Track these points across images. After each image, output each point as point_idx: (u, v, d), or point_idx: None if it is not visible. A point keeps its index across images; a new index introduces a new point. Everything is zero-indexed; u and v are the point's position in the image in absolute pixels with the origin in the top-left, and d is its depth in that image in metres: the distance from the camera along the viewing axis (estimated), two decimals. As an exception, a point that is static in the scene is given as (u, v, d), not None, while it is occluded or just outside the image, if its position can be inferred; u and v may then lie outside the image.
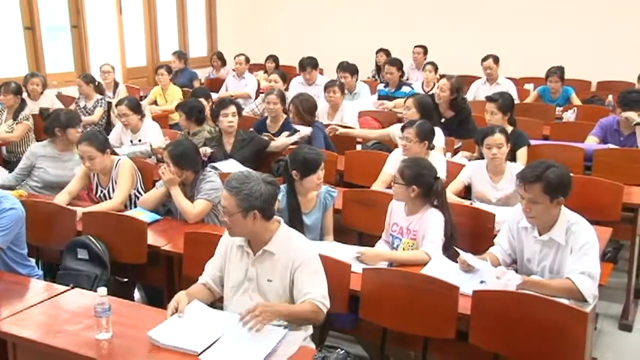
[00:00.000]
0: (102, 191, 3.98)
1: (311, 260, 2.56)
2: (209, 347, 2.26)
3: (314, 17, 9.64)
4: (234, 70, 7.94)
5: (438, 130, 4.75)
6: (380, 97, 6.72)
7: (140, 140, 5.01)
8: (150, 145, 4.76)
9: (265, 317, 2.31)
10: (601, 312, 3.84)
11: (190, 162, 3.63)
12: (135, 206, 3.85)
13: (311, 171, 3.33)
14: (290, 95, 5.86)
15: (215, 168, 4.05)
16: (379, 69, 8.20)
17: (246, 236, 2.59)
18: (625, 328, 3.82)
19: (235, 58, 7.87)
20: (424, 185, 3.11)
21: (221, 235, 2.76)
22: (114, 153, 4.04)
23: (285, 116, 5.22)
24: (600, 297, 2.81)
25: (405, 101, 4.88)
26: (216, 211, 3.64)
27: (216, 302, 2.76)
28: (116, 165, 3.94)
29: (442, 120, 5.28)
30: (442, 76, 5.36)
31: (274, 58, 8.46)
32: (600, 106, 6.40)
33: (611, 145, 4.75)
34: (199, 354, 2.22)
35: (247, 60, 7.79)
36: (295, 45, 9.03)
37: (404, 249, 3.17)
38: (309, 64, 6.91)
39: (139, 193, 3.99)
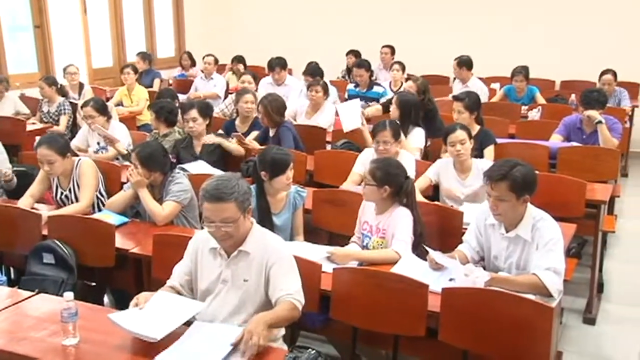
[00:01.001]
0: (62, 193, 3.90)
1: (285, 258, 2.56)
2: (166, 349, 2.22)
3: (282, 17, 9.62)
4: (202, 71, 7.88)
5: (419, 131, 4.79)
6: (350, 97, 6.76)
7: (105, 136, 4.94)
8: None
9: (261, 338, 2.21)
10: (566, 307, 3.92)
11: (159, 163, 3.59)
12: (100, 209, 3.80)
13: (280, 171, 3.34)
14: (259, 95, 5.84)
15: (183, 169, 4.02)
16: (349, 70, 8.23)
17: (239, 239, 2.54)
18: (589, 321, 3.90)
19: (204, 58, 7.81)
20: (395, 185, 3.13)
21: (190, 237, 2.74)
22: (75, 155, 3.97)
23: (254, 116, 5.22)
24: (565, 291, 2.87)
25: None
26: (185, 213, 3.62)
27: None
28: (77, 166, 3.87)
29: None
30: (409, 76, 5.40)
31: (239, 59, 8.43)
32: (563, 105, 6.53)
33: (574, 143, 4.85)
34: (158, 341, 2.20)
35: (216, 61, 7.78)
36: (263, 45, 9.01)
37: (373, 247, 3.19)
38: (278, 64, 6.91)
39: (101, 195, 3.93)
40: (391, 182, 3.12)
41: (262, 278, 2.53)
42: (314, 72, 6.71)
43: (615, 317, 3.96)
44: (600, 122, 4.80)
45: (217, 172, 4.00)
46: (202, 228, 2.82)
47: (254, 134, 5.09)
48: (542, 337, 2.37)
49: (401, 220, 3.12)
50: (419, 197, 3.65)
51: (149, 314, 2.36)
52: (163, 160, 3.63)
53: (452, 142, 3.83)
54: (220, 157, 4.59)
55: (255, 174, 3.44)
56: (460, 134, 3.82)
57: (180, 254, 2.70)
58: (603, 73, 6.69)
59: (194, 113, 4.59)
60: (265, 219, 3.32)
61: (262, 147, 4.43)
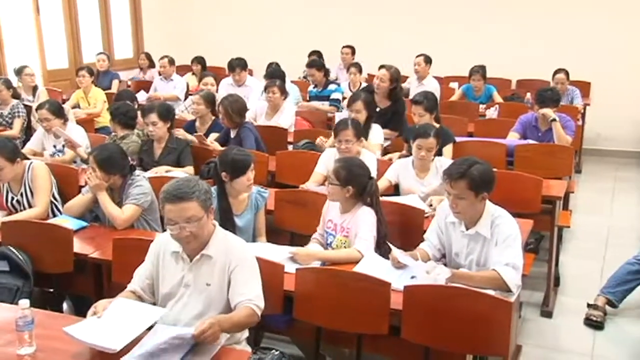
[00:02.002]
0: (14, 198, 3.78)
1: (247, 262, 2.55)
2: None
3: (242, 17, 9.57)
4: (159, 72, 7.77)
5: (378, 127, 4.84)
6: (311, 98, 6.78)
7: (63, 146, 4.84)
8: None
9: (213, 337, 2.22)
10: (524, 301, 4.01)
11: (118, 166, 3.53)
12: (54, 214, 3.71)
13: (240, 172, 3.32)
14: (219, 96, 5.81)
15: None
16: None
17: (203, 241, 2.52)
18: (546, 315, 4.00)
19: (159, 60, 7.70)
20: (358, 185, 3.15)
21: (151, 241, 2.70)
22: (26, 158, 3.87)
23: (213, 117, 5.19)
24: (523, 286, 2.93)
25: (352, 104, 4.82)
26: (146, 216, 3.57)
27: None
28: (28, 169, 3.76)
29: (377, 109, 5.40)
30: (381, 66, 5.46)
31: (199, 60, 8.36)
32: (519, 103, 6.69)
33: (530, 141, 4.96)
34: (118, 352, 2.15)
35: (172, 61, 7.62)
36: (223, 46, 8.96)
37: (336, 245, 3.21)
38: (238, 65, 6.88)
39: (55, 199, 3.84)
40: (355, 182, 3.14)
41: (225, 282, 2.51)
42: (273, 74, 6.70)
43: (571, 310, 4.07)
44: (554, 120, 4.93)
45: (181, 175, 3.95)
46: (163, 231, 2.79)
47: (214, 135, 5.06)
48: (502, 331, 2.42)
49: (365, 220, 3.13)
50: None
51: (107, 323, 2.31)
52: (122, 162, 3.57)
53: (420, 146, 3.84)
54: (174, 162, 4.54)
55: (216, 175, 3.42)
56: (432, 141, 3.83)
57: (141, 257, 2.66)
58: (556, 72, 6.88)
59: (153, 117, 4.53)
60: (227, 221, 3.30)
61: (224, 148, 4.40)
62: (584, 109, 7.15)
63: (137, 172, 3.74)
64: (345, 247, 3.16)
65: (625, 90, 7.67)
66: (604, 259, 4.82)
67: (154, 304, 2.60)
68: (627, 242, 5.09)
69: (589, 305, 3.80)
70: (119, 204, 3.51)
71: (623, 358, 3.53)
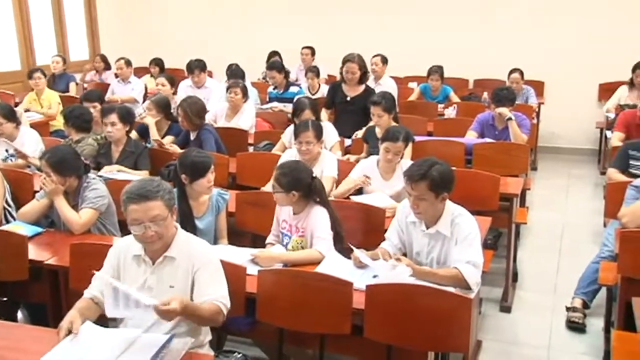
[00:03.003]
0: None
1: (211, 263, 2.53)
2: None
3: (201, 18, 9.47)
4: (116, 75, 7.63)
5: (330, 125, 4.88)
6: (271, 99, 6.77)
7: (16, 150, 4.71)
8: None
9: (174, 313, 2.24)
10: (484, 296, 4.08)
11: (72, 168, 3.44)
12: (7, 220, 3.61)
13: (201, 175, 3.30)
14: (178, 98, 5.75)
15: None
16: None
17: (166, 242, 2.49)
18: (505, 310, 4.07)
19: (116, 62, 7.57)
20: (302, 188, 3.14)
21: (110, 245, 2.66)
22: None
23: (168, 122, 5.13)
24: (483, 282, 2.99)
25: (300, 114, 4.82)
26: (102, 220, 3.49)
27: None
28: None
29: (348, 99, 5.44)
30: (346, 60, 5.53)
31: (157, 62, 8.24)
32: (477, 103, 6.81)
33: (488, 139, 5.06)
34: None
35: (128, 63, 7.48)
36: (182, 47, 8.86)
37: (293, 246, 3.21)
38: (197, 67, 6.82)
39: (9, 205, 3.73)
40: (298, 186, 3.13)
41: (189, 283, 2.49)
42: (234, 74, 6.67)
43: (529, 304, 4.16)
44: (510, 118, 5.03)
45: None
46: (122, 235, 2.74)
47: (169, 138, 5.01)
48: (462, 327, 2.45)
49: (318, 219, 3.14)
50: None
51: (79, 351, 2.23)
52: (76, 163, 3.48)
53: (388, 149, 3.86)
54: (134, 164, 4.47)
55: (176, 178, 3.38)
56: (400, 145, 3.85)
57: (99, 263, 2.61)
58: (511, 72, 7.04)
59: (113, 117, 4.46)
60: (188, 223, 3.27)
61: (183, 150, 4.35)
62: (539, 107, 7.32)
63: (92, 174, 3.66)
64: (301, 247, 3.16)
65: (577, 89, 7.89)
66: (560, 254, 4.94)
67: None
68: (582, 237, 5.23)
69: (567, 309, 3.86)
70: (74, 207, 3.43)
71: (579, 349, 3.62)
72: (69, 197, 3.47)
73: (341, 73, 5.68)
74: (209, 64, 7.15)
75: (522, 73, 7.02)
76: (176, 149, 4.76)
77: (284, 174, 3.14)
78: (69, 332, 2.30)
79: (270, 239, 3.36)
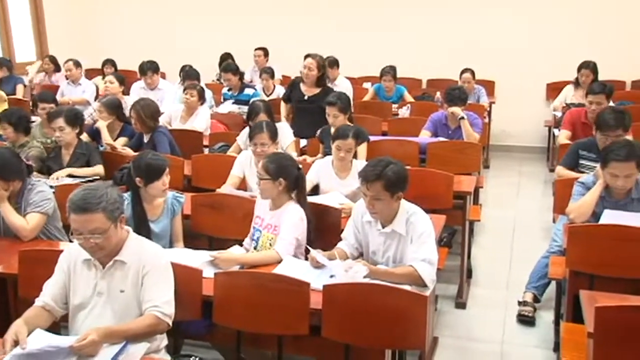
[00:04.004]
0: None
1: (159, 267, 2.51)
2: None
3: (153, 19, 9.34)
4: (66, 77, 7.44)
5: (286, 126, 4.88)
6: (225, 100, 6.72)
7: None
8: None
9: (92, 348, 2.22)
10: (440, 294, 4.14)
11: (15, 171, 3.31)
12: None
13: (155, 177, 3.26)
14: (130, 100, 5.65)
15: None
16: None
17: (113, 249, 2.46)
18: (461, 306, 4.15)
19: (64, 64, 7.38)
20: (289, 176, 3.17)
21: (60, 251, 2.60)
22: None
23: (121, 124, 5.05)
24: (438, 279, 3.04)
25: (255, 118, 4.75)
26: (48, 224, 3.39)
27: (60, 322, 2.60)
28: None
29: (305, 97, 5.44)
30: (307, 55, 5.54)
31: (112, 63, 8.09)
32: (430, 102, 6.91)
33: (441, 138, 5.15)
34: None
35: (78, 64, 7.30)
36: (134, 48, 8.71)
37: (262, 243, 3.21)
38: (150, 68, 6.73)
39: None
40: (285, 173, 3.15)
41: (139, 287, 2.47)
42: (189, 75, 6.60)
43: (483, 300, 4.25)
44: (463, 118, 5.13)
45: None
46: (70, 240, 2.68)
47: (122, 140, 4.93)
48: (418, 324, 2.48)
49: (289, 219, 3.14)
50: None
51: None
52: (19, 166, 3.34)
53: (339, 147, 3.89)
54: (86, 164, 4.38)
55: (130, 181, 3.33)
56: (350, 142, 3.89)
57: (49, 270, 2.55)
58: (463, 72, 7.18)
59: (60, 122, 4.36)
60: (142, 227, 3.22)
61: (137, 153, 4.28)
62: (490, 107, 7.48)
63: (35, 177, 3.55)
64: (271, 244, 3.16)
65: (526, 89, 8.10)
66: (512, 249, 5.06)
67: (66, 315, 2.52)
68: (533, 232, 5.37)
69: (519, 303, 3.95)
70: (17, 210, 3.31)
71: (531, 342, 3.72)
72: (11, 200, 3.34)
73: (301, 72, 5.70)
74: (162, 65, 7.05)
75: (473, 73, 7.17)
76: (129, 152, 4.68)
77: (271, 161, 3.17)
78: (16, 343, 2.24)
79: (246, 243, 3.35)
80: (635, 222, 3.18)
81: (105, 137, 4.93)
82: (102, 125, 4.99)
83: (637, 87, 7.71)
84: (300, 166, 3.31)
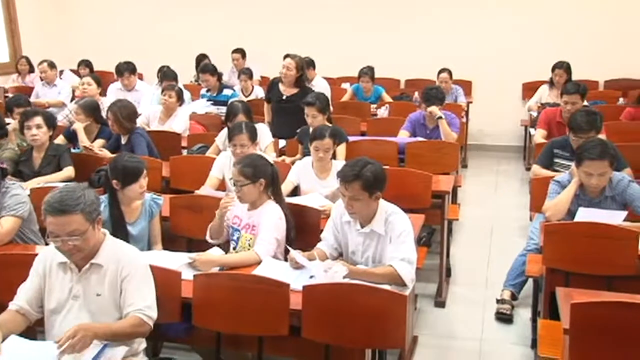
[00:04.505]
0: None
1: (139, 270, 2.49)
2: None
3: (129, 19, 9.26)
4: (41, 78, 7.34)
5: (264, 127, 4.87)
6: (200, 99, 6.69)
7: None
8: None
9: (82, 342, 2.21)
10: (419, 293, 4.17)
11: None
12: None
13: (132, 180, 3.23)
14: (107, 102, 5.60)
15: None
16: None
17: (90, 251, 2.43)
18: (440, 305, 4.17)
19: (38, 65, 7.28)
20: (266, 174, 3.18)
21: (35, 255, 2.57)
22: None
23: (98, 126, 5.00)
24: (418, 278, 3.05)
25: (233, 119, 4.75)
26: (23, 227, 3.34)
27: (36, 327, 2.57)
28: None
29: (284, 97, 5.44)
30: (286, 56, 5.55)
31: (86, 63, 8.00)
32: (408, 102, 6.95)
33: (420, 138, 5.17)
34: None
35: (52, 65, 7.22)
36: (111, 49, 8.62)
37: (242, 244, 3.20)
38: (127, 69, 6.66)
39: None
40: (263, 173, 3.17)
41: (117, 291, 2.45)
42: (166, 76, 6.56)
43: (462, 298, 4.29)
44: (440, 117, 5.17)
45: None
46: (46, 244, 2.65)
47: (99, 141, 4.88)
48: (398, 324, 2.50)
49: (268, 219, 3.14)
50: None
51: None
52: None
53: (317, 147, 3.91)
54: (57, 167, 4.33)
55: (107, 183, 3.30)
56: (328, 142, 3.91)
57: (24, 274, 2.53)
58: (440, 72, 7.24)
59: (38, 120, 4.30)
60: (119, 229, 3.19)
61: (114, 155, 4.25)
62: (467, 106, 7.55)
63: (10, 180, 3.50)
64: (250, 245, 3.15)
65: (503, 89, 8.18)
66: (490, 248, 5.11)
67: (42, 319, 2.50)
68: (510, 231, 5.43)
69: (497, 301, 3.99)
70: None
71: (509, 339, 3.76)
72: None
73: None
74: (139, 66, 6.99)
75: (450, 73, 7.22)
76: (107, 154, 4.64)
77: (246, 165, 3.16)
78: None
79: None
80: (609, 220, 3.25)
81: (82, 139, 4.87)
82: (79, 127, 4.94)
83: (609, 87, 7.85)
84: (272, 161, 3.31)
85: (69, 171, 4.30)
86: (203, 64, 7.10)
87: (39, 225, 3.42)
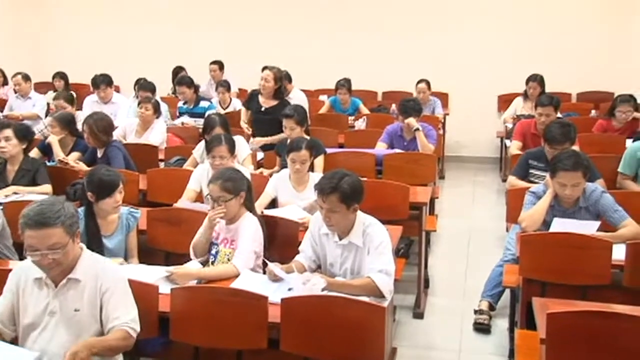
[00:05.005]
0: None
1: (119, 283, 2.46)
2: None
3: (105, 32, 9.18)
4: (15, 91, 7.24)
5: (242, 139, 4.88)
6: (181, 114, 6.66)
7: None
8: None
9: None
10: (398, 304, 4.16)
11: None
12: None
13: (107, 194, 3.22)
14: (83, 115, 5.55)
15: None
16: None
17: (68, 266, 2.39)
18: (418, 316, 4.18)
19: (12, 78, 7.18)
20: (244, 186, 3.20)
21: (9, 270, 2.52)
22: None
23: (74, 139, 4.95)
24: (396, 290, 3.06)
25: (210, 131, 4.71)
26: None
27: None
28: None
29: (263, 109, 5.43)
30: (264, 67, 5.57)
31: (61, 75, 7.92)
32: (386, 114, 6.99)
33: (397, 150, 5.21)
34: None
35: (26, 78, 7.11)
36: (86, 61, 8.54)
37: (220, 258, 3.18)
38: (103, 82, 6.61)
39: None
40: (241, 185, 3.18)
41: (96, 306, 2.41)
42: (143, 88, 6.52)
43: (440, 309, 4.30)
44: (417, 129, 5.21)
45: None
46: (21, 259, 2.61)
47: (75, 154, 4.84)
48: (377, 335, 2.50)
49: (245, 232, 3.14)
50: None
51: None
52: None
53: (294, 159, 3.92)
54: (32, 182, 4.27)
55: (83, 196, 3.27)
56: (304, 153, 3.92)
57: (-2, 289, 2.48)
58: (418, 82, 7.28)
59: (8, 132, 4.24)
60: (94, 242, 3.16)
61: (90, 168, 4.20)
62: (444, 118, 7.62)
63: None
64: (229, 259, 3.14)
65: (479, 101, 8.28)
66: (468, 259, 5.15)
67: (16, 337, 2.45)
68: (488, 241, 5.47)
69: (475, 312, 4.01)
70: None
71: (488, 349, 3.78)
72: None
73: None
74: (116, 78, 6.94)
75: (428, 83, 7.26)
76: (82, 167, 4.60)
77: (226, 180, 3.15)
78: None
79: None
80: (583, 230, 3.30)
81: (57, 151, 4.82)
82: (53, 140, 4.88)
83: (582, 99, 7.99)
84: (250, 174, 3.33)
85: (47, 188, 4.21)
86: (180, 77, 7.08)
87: (12, 240, 3.36)
